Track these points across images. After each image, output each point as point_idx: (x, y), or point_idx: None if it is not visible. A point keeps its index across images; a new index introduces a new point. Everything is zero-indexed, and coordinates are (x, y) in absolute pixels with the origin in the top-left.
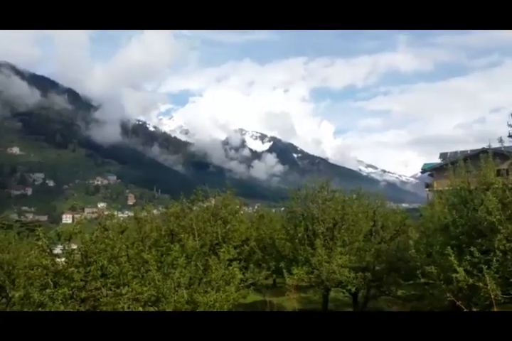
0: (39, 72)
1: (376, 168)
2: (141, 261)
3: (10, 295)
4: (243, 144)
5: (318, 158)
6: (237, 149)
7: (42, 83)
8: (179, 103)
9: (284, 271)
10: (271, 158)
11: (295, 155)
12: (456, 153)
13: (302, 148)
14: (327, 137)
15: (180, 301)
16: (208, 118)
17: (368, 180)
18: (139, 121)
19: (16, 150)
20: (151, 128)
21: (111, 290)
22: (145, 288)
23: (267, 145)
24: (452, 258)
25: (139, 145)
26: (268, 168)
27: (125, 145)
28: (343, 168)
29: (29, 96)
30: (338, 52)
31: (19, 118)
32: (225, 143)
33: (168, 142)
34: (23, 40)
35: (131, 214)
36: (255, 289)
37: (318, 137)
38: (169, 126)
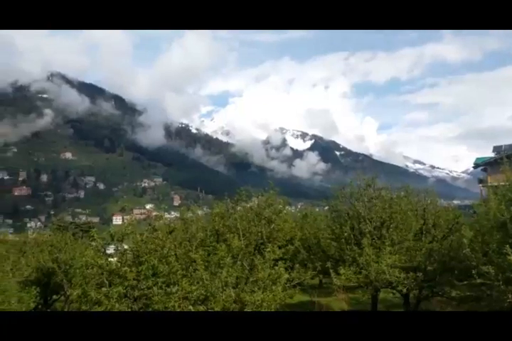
0: (87, 80)
1: (424, 164)
2: (189, 260)
3: (68, 293)
4: (284, 143)
5: (362, 154)
6: (278, 148)
7: (90, 90)
8: (220, 104)
9: (331, 271)
10: (313, 157)
11: (337, 153)
12: (511, 145)
13: (345, 146)
14: (370, 133)
15: (228, 300)
16: (249, 118)
17: (416, 176)
18: (181, 123)
19: (68, 155)
20: (194, 131)
21: (162, 288)
22: (194, 287)
23: (308, 144)
24: (511, 257)
25: (183, 148)
26: (310, 166)
27: (169, 147)
28: (389, 164)
29: (79, 103)
30: (379, 45)
31: (71, 124)
32: (266, 142)
33: (210, 143)
34: (72, 49)
35: (177, 214)
36: (301, 289)
37: (361, 133)
38: (211, 127)
